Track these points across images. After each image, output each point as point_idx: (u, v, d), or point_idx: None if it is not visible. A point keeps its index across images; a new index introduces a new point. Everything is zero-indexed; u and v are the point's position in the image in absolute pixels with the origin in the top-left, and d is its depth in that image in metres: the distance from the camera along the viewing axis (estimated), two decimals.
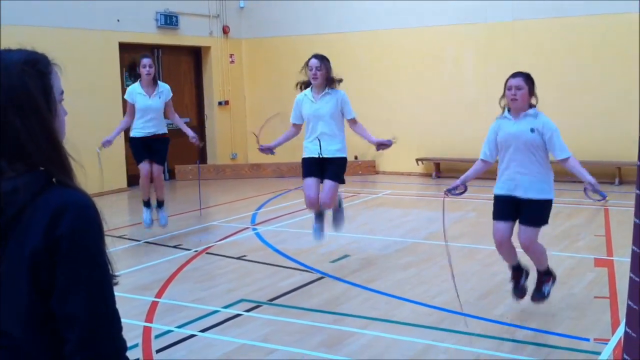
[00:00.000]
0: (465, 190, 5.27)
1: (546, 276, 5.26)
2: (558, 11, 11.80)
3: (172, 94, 8.09)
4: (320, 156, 6.38)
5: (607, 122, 11.46)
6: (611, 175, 11.21)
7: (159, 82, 7.95)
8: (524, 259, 5.40)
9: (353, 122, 6.48)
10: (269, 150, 6.58)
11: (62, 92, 1.63)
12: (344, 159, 6.48)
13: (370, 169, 13.51)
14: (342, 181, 6.49)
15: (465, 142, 12.43)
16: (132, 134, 8.02)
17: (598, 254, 6.99)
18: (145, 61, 7.84)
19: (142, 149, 7.97)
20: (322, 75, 6.30)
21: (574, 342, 4.72)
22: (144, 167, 8.01)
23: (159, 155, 8.07)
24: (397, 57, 13.25)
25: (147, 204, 8.16)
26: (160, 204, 8.21)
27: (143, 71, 7.81)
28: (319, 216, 6.65)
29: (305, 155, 6.48)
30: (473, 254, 7.20)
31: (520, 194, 5.01)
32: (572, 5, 11.67)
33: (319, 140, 6.37)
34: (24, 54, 1.58)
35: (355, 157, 13.40)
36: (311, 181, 6.43)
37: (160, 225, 8.13)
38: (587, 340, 4.75)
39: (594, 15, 11.51)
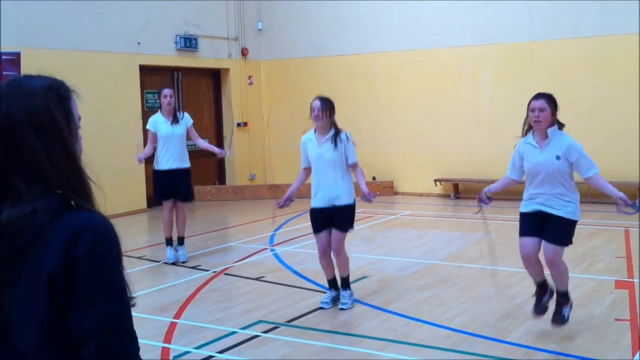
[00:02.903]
0: (490, 201, 5.30)
1: (565, 299, 5.23)
2: (575, 31, 11.79)
3: (192, 120, 8.22)
4: (326, 206, 6.18)
5: (626, 142, 11.38)
6: (631, 196, 11.06)
7: (178, 112, 8.10)
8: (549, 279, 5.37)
9: (354, 166, 6.27)
10: (287, 201, 6.41)
11: (79, 118, 1.67)
12: (351, 207, 6.24)
13: (388, 189, 13.50)
14: (350, 228, 6.28)
15: (483, 162, 12.40)
16: (157, 167, 8.07)
17: (619, 276, 6.92)
18: (167, 92, 8.02)
19: (166, 186, 8.02)
20: (325, 117, 6.12)
21: None
22: (168, 204, 8.10)
23: (183, 192, 8.16)
24: (414, 78, 13.28)
25: (169, 242, 8.19)
26: (180, 241, 8.22)
27: (164, 101, 7.97)
28: (332, 285, 6.37)
29: (313, 206, 6.27)
30: (492, 275, 7.15)
31: (546, 209, 5.04)
32: (589, 26, 11.66)
33: (325, 190, 6.18)
34: (46, 80, 1.62)
35: (374, 178, 13.40)
36: (321, 236, 6.25)
37: (180, 261, 8.11)
38: None
39: (611, 35, 11.48)
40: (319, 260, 6.37)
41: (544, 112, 4.99)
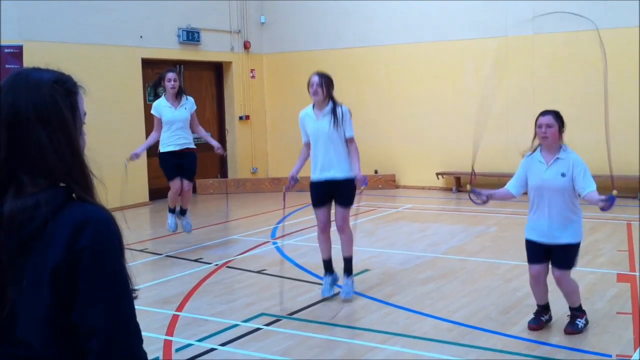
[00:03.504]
0: (485, 203, 5.28)
1: (579, 312, 5.24)
2: (578, 24, 11.74)
3: (196, 106, 8.22)
4: (327, 179, 6.17)
5: (628, 135, 11.36)
6: (633, 190, 11.11)
7: (183, 95, 8.07)
8: (554, 300, 5.38)
9: (350, 141, 6.21)
10: (292, 181, 6.38)
11: (85, 114, 1.67)
12: (352, 180, 6.21)
13: (390, 183, 13.49)
14: (351, 203, 6.27)
15: (485, 156, 12.36)
16: (162, 149, 8.09)
17: (621, 270, 6.93)
18: (170, 75, 8.01)
19: (173, 166, 8.05)
20: (324, 92, 6.10)
21: (596, 359, 4.68)
22: (175, 183, 8.15)
23: (189, 172, 8.23)
24: (416, 71, 13.27)
25: (172, 210, 8.39)
26: (183, 212, 8.36)
27: (168, 85, 7.96)
28: (328, 269, 6.39)
29: (313, 179, 6.26)
30: (494, 268, 7.16)
31: (551, 241, 5.09)
32: (592, 19, 11.61)
33: (324, 164, 6.17)
34: (54, 74, 1.63)
35: (375, 171, 13.40)
36: (321, 211, 6.25)
37: (185, 231, 8.18)
38: (609, 356, 4.71)
39: (614, 28, 11.45)
40: (317, 237, 6.38)
41: (552, 129, 5.03)
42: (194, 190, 13.45)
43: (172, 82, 7.96)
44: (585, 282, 6.41)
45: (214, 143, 8.63)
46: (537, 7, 12.02)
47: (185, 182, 8.20)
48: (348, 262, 6.34)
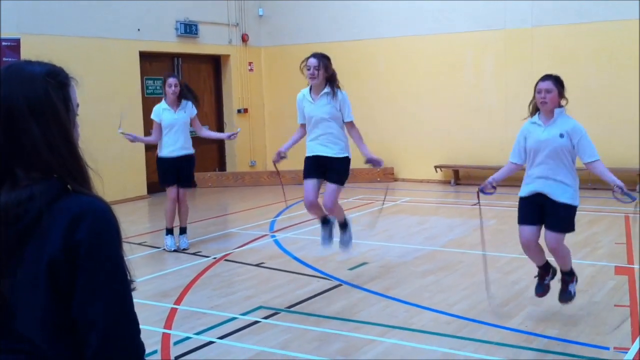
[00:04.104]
0: (495, 190, 5.27)
1: (570, 276, 5.26)
2: (578, 17, 11.75)
3: (196, 110, 8.19)
4: (322, 155, 6.16)
5: (628, 128, 11.37)
6: (632, 182, 11.11)
7: (183, 100, 8.06)
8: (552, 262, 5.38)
9: (350, 125, 6.20)
10: (278, 156, 6.38)
11: (78, 105, 1.67)
12: (346, 159, 6.22)
13: (388, 176, 13.49)
14: (343, 183, 6.26)
15: (484, 148, 12.40)
16: (160, 153, 8.06)
17: (619, 262, 6.93)
18: (171, 80, 8.00)
19: (170, 172, 8.00)
20: (321, 75, 6.05)
21: (594, 351, 4.68)
22: (171, 191, 8.08)
23: (186, 179, 8.14)
24: (415, 64, 13.25)
25: (170, 231, 8.17)
26: (182, 231, 8.20)
27: (169, 90, 7.96)
28: (324, 224, 6.45)
29: (307, 154, 6.27)
30: (493, 261, 7.14)
31: (546, 193, 5.02)
32: (592, 11, 11.61)
33: (319, 141, 6.18)
34: (46, 66, 1.62)
35: None
36: (310, 183, 6.21)
37: (181, 248, 8.09)
38: (607, 349, 4.71)
39: (614, 20, 11.44)
40: (307, 210, 6.41)
41: (551, 94, 4.99)
42: (194, 185, 13.47)
43: (173, 87, 7.96)
44: (584, 274, 6.41)
45: (224, 135, 8.94)
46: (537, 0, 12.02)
47: (182, 191, 8.11)
48: (342, 224, 6.38)
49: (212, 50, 13.96)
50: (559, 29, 11.92)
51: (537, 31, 12.11)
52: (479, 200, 5.49)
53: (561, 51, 11.85)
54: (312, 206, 6.29)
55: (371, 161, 6.20)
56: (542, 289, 5.33)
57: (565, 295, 5.24)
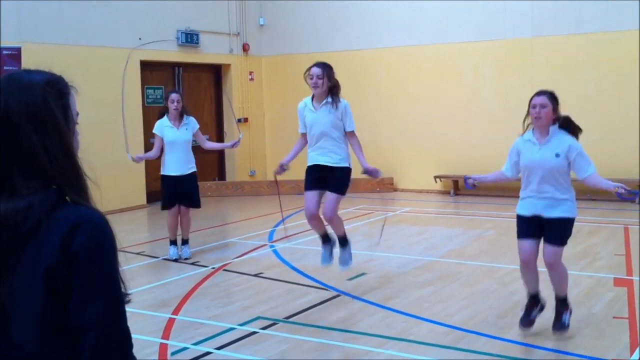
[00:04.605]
0: (474, 188, 5.32)
1: (563, 305, 5.17)
2: (577, 27, 11.78)
3: (199, 125, 8.22)
4: (322, 164, 6.17)
5: (627, 137, 11.37)
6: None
7: (184, 115, 8.08)
8: (543, 290, 5.33)
9: (351, 134, 6.21)
10: (281, 168, 6.40)
11: (77, 114, 1.67)
12: (346, 169, 6.22)
13: (388, 186, 13.49)
14: (343, 193, 6.26)
15: (483, 159, 12.38)
16: (163, 171, 8.07)
17: (617, 274, 6.92)
18: (174, 96, 8.01)
19: (172, 193, 7.99)
20: (324, 84, 6.06)
21: None
22: (172, 211, 8.09)
23: (189, 198, 8.11)
24: (415, 74, 13.27)
25: (173, 242, 8.19)
26: (184, 242, 8.23)
27: (171, 106, 7.98)
28: (325, 242, 6.44)
29: (309, 164, 6.27)
30: (492, 272, 7.15)
31: (544, 214, 5.00)
32: (591, 22, 11.64)
33: (320, 150, 6.19)
34: (45, 75, 1.63)
35: None
36: (311, 194, 6.21)
37: (182, 257, 8.10)
38: None
39: (613, 31, 11.47)
40: (308, 222, 6.39)
41: (545, 109, 4.95)
42: (199, 204, 13.45)
43: (175, 104, 7.98)
44: (582, 286, 6.41)
45: (227, 145, 8.89)
46: (537, 9, 12.05)
47: (183, 209, 8.12)
48: (342, 239, 6.35)
49: (213, 60, 13.99)
50: (559, 39, 11.95)
51: (537, 41, 12.13)
52: (458, 188, 5.56)
53: (561, 61, 11.88)
54: (313, 217, 6.29)
55: (368, 172, 6.20)
56: (527, 321, 5.19)
57: (559, 326, 5.12)
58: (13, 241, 1.52)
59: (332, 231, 6.51)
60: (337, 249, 6.55)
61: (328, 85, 6.11)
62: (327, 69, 6.11)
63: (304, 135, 6.35)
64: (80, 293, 1.51)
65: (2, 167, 1.55)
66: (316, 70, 6.08)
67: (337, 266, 6.55)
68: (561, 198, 4.97)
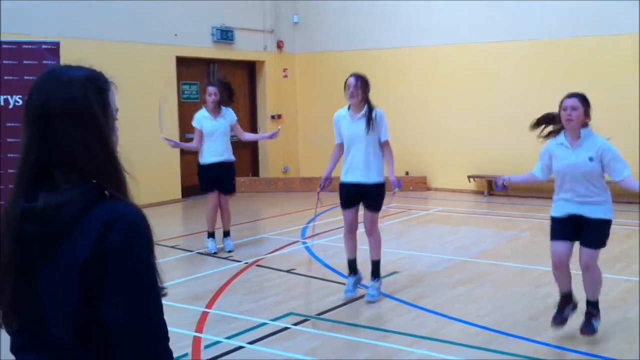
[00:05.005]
0: (505, 190, 5.27)
1: (595, 310, 5.10)
2: (615, 28, 11.58)
3: (236, 117, 8.31)
4: (356, 182, 6.19)
5: None
6: None
7: (222, 107, 8.18)
8: (576, 292, 5.27)
9: (385, 144, 6.23)
10: (326, 181, 6.35)
11: (117, 110, 1.69)
12: (380, 185, 6.22)
13: (421, 185, 13.44)
14: (379, 209, 6.28)
15: (517, 159, 12.23)
16: (202, 160, 8.18)
17: None
18: (211, 90, 8.14)
19: (210, 179, 8.12)
20: (360, 94, 6.09)
21: None
22: (212, 197, 8.20)
23: (227, 185, 8.24)
24: (448, 73, 13.18)
25: (211, 235, 8.30)
26: (226, 234, 8.36)
27: (209, 99, 8.12)
28: (352, 272, 6.38)
29: (342, 181, 6.29)
30: (525, 274, 7.09)
31: (582, 213, 4.94)
32: (629, 22, 11.44)
33: (354, 163, 6.19)
34: (85, 71, 1.65)
35: (407, 173, 13.35)
36: (349, 213, 6.29)
37: (225, 250, 8.21)
38: None
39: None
40: (343, 235, 6.40)
41: (577, 111, 4.90)
42: (234, 190, 13.55)
43: (213, 96, 8.12)
44: (618, 290, 6.32)
45: (266, 135, 8.88)
46: (574, 9, 11.88)
47: (223, 198, 8.23)
48: (375, 265, 6.33)
49: (248, 56, 14.07)
50: (595, 39, 11.76)
51: (573, 42, 11.96)
52: (491, 189, 5.50)
53: (597, 62, 11.69)
54: (351, 232, 6.33)
55: (392, 184, 6.21)
56: (560, 319, 5.12)
57: (588, 328, 5.05)
58: (51, 235, 1.54)
59: (368, 255, 6.38)
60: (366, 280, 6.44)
61: (364, 96, 6.14)
62: (362, 80, 6.12)
63: (340, 145, 6.35)
64: (113, 290, 1.52)
65: (42, 162, 1.58)
66: (352, 81, 6.13)
67: (367, 266, 6.51)
68: (597, 200, 4.91)
